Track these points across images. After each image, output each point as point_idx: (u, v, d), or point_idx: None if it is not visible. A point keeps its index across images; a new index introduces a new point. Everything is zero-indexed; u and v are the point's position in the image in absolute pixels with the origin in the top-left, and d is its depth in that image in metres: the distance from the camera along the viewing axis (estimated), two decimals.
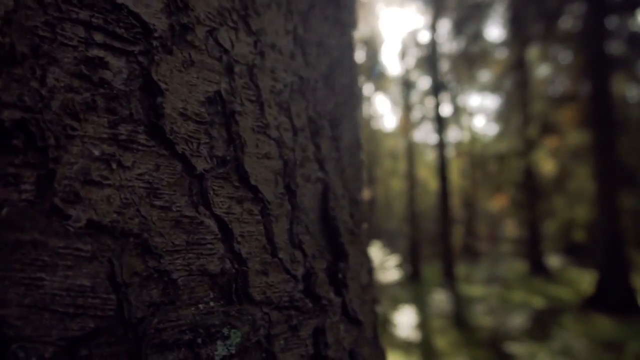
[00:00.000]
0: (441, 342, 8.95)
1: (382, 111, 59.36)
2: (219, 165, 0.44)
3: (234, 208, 0.46)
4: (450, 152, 34.70)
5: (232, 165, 0.46)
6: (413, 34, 16.93)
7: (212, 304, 0.40)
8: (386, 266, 10.79)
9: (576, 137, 16.25)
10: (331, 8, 0.75)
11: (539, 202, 17.90)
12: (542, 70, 20.84)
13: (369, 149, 26.92)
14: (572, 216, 18.01)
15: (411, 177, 16.60)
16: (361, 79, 23.26)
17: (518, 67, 17.36)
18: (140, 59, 0.39)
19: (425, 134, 26.53)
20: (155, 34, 0.40)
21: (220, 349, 0.39)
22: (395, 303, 11.25)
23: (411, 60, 19.79)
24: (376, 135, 28.04)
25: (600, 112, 11.37)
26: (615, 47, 14.85)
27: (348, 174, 0.72)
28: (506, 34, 18.55)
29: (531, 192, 17.58)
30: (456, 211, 28.93)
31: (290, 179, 0.54)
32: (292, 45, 0.59)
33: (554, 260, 18.66)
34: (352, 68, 0.84)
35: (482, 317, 9.49)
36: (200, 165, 0.42)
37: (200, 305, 0.39)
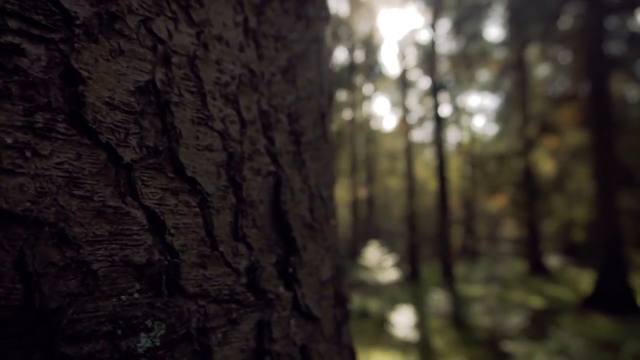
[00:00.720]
0: (439, 341, 8.95)
1: (382, 111, 59.40)
2: (149, 156, 0.44)
3: (167, 199, 0.45)
4: (450, 152, 34.67)
5: (166, 156, 0.45)
6: (412, 34, 16.93)
7: (136, 295, 0.40)
8: (384, 266, 10.79)
9: (575, 137, 16.24)
10: (292, 2, 0.74)
11: (538, 202, 17.88)
12: (541, 70, 20.82)
13: (368, 149, 26.90)
14: (571, 216, 17.99)
15: (410, 177, 16.59)
16: (360, 78, 23.19)
17: (517, 67, 17.35)
18: (62, 46, 0.38)
19: (424, 134, 26.51)
20: (77, 22, 0.39)
21: (144, 341, 0.39)
22: (394, 303, 11.24)
23: (410, 60, 19.78)
24: (375, 135, 28.04)
25: (599, 112, 11.35)
26: (614, 47, 14.84)
27: (310, 168, 0.72)
28: (505, 34, 18.54)
29: (530, 192, 17.57)
30: (456, 211, 28.91)
31: (236, 172, 0.54)
32: (242, 38, 0.59)
33: (553, 260, 18.64)
34: (320, 63, 0.83)
35: (480, 317, 9.48)
36: (128, 155, 0.42)
37: (123, 297, 0.39)
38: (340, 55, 23.50)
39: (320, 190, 0.75)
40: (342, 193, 31.93)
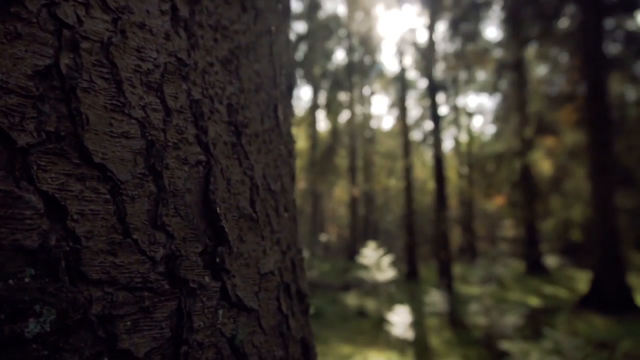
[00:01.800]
0: (435, 341, 8.95)
1: (381, 111, 59.45)
2: (49, 141, 0.43)
3: (71, 185, 0.45)
4: (449, 152, 34.67)
5: (70, 142, 0.45)
6: (410, 34, 16.92)
7: (28, 280, 0.39)
8: (382, 265, 10.80)
9: (573, 137, 16.24)
10: None
11: (537, 202, 17.88)
12: (539, 70, 20.82)
13: (366, 149, 26.91)
14: (569, 216, 17.99)
15: (407, 177, 16.60)
16: (358, 78, 23.13)
17: (515, 67, 17.35)
18: None
19: (422, 134, 26.50)
20: None
21: (32, 326, 0.38)
22: (392, 302, 11.25)
23: (408, 60, 19.79)
24: (374, 135, 28.05)
25: (596, 112, 11.35)
26: (611, 47, 14.85)
27: (255, 160, 0.71)
28: (503, 34, 18.54)
29: (529, 192, 17.56)
30: (454, 211, 28.92)
31: (156, 160, 0.53)
32: (169, 26, 0.58)
33: (551, 260, 18.64)
34: (274, 55, 0.83)
35: (476, 316, 9.49)
36: (23, 139, 0.41)
37: (11, 281, 0.38)
38: (338, 55, 23.51)
39: (269, 183, 0.74)
40: (340, 193, 31.91)
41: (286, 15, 0.92)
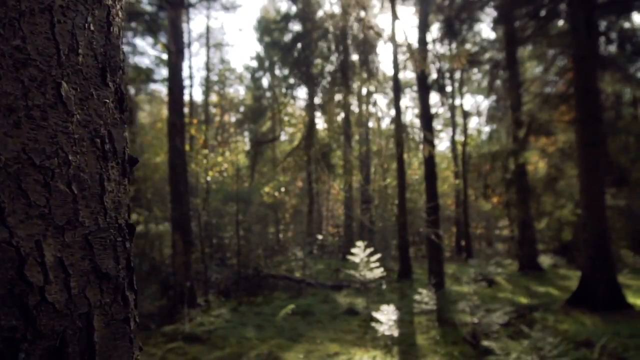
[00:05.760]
0: (422, 338, 8.99)
1: (376, 110, 59.17)
2: None
3: None
4: (445, 152, 34.63)
5: None
6: (405, 34, 16.94)
7: None
8: (371, 264, 10.84)
9: (565, 136, 16.24)
10: None
11: (531, 202, 17.90)
12: (532, 70, 20.83)
13: (363, 148, 26.94)
14: (563, 215, 17.99)
15: (401, 176, 16.63)
16: (354, 78, 23.02)
17: (508, 67, 17.37)
18: None
19: (419, 134, 26.49)
20: None
21: None
22: (382, 301, 11.29)
23: (402, 60, 19.80)
24: (370, 134, 28.07)
25: (587, 111, 11.37)
26: (608, 47, 14.85)
27: (5, 134, 0.70)
28: (496, 33, 18.56)
29: (523, 192, 17.58)
30: (450, 211, 28.91)
31: None
32: None
33: (545, 260, 18.66)
34: (57, 35, 0.76)
35: (465, 315, 9.53)
36: None
37: None
38: (334, 55, 23.53)
39: (32, 157, 0.71)
40: (337, 192, 31.94)
41: (97, 1, 0.87)
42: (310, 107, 24.82)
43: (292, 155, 15.21)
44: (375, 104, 27.58)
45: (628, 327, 8.82)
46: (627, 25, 15.17)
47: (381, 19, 35.64)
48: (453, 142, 26.86)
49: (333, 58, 23.59)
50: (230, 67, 33.48)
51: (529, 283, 14.71)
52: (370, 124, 27.79)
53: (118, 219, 0.82)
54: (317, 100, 25.19)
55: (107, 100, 0.82)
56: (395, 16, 13.81)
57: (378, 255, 10.83)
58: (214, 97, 31.34)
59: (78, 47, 0.75)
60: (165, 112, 19.84)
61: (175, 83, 11.55)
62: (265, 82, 29.74)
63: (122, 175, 0.87)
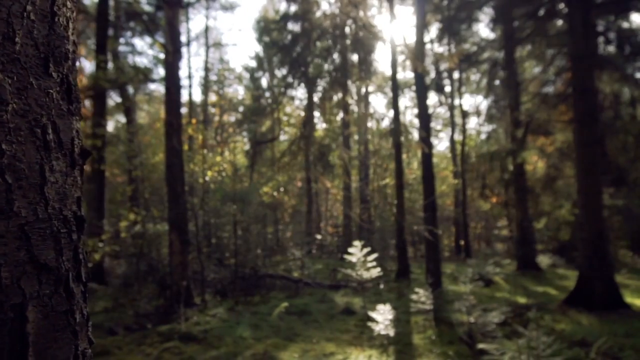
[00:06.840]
0: (418, 338, 8.97)
1: (375, 110, 59.21)
2: None
3: None
4: (444, 152, 34.59)
5: None
6: (403, 34, 16.92)
7: None
8: (368, 264, 10.82)
9: (564, 136, 16.22)
10: None
11: (529, 202, 17.87)
12: (531, 70, 20.80)
13: (361, 148, 26.90)
14: (561, 215, 17.96)
15: (399, 176, 16.61)
16: (352, 77, 23.07)
17: (506, 66, 17.34)
18: None
19: (417, 134, 26.47)
20: None
21: None
22: (379, 300, 11.27)
23: (401, 60, 19.79)
24: (369, 134, 28.04)
25: (584, 110, 11.35)
26: (607, 47, 14.82)
27: None
28: (494, 33, 18.53)
29: (521, 191, 17.55)
30: (449, 211, 28.89)
31: None
32: None
33: (544, 259, 18.63)
34: (10, 16, 0.77)
35: (461, 314, 9.52)
36: None
37: None
38: (334, 55, 23.53)
39: None
40: (336, 192, 31.93)
41: None
42: (309, 107, 24.81)
43: (288, 153, 15.17)
44: (368, 103, 27.51)
45: (624, 326, 8.81)
46: (625, 25, 15.13)
47: (379, 19, 35.59)
48: (452, 142, 26.82)
49: (332, 58, 23.58)
50: (229, 66, 33.49)
51: (527, 283, 14.69)
52: (369, 124, 27.75)
53: (63, 210, 0.81)
54: (316, 99, 25.18)
55: (51, 91, 0.81)
56: (393, 16, 13.79)
57: (375, 255, 10.82)
58: (213, 97, 31.33)
59: (15, 35, 0.74)
60: (163, 112, 19.82)
61: (172, 82, 11.54)
62: (264, 82, 29.72)
63: (71, 166, 0.85)
